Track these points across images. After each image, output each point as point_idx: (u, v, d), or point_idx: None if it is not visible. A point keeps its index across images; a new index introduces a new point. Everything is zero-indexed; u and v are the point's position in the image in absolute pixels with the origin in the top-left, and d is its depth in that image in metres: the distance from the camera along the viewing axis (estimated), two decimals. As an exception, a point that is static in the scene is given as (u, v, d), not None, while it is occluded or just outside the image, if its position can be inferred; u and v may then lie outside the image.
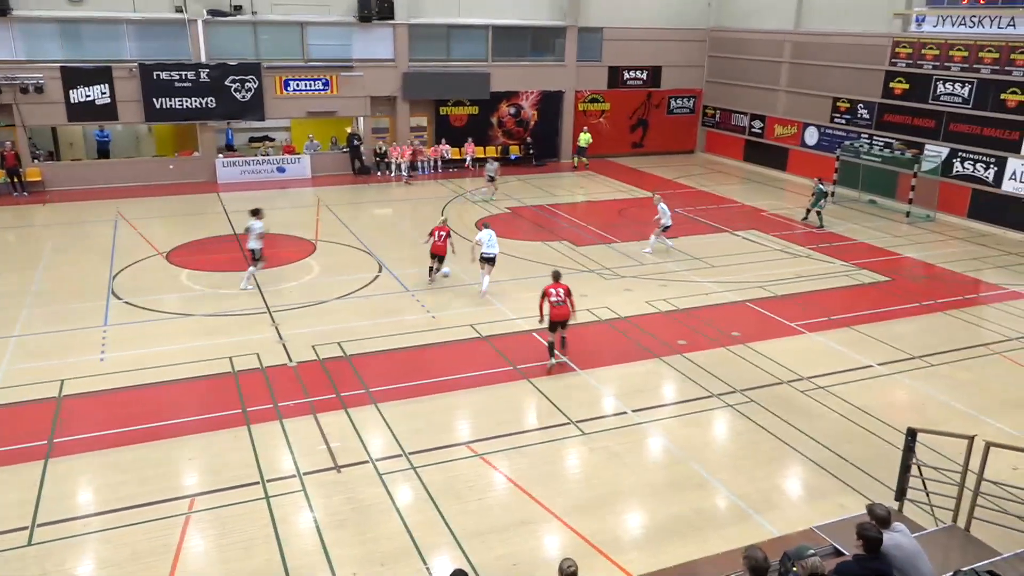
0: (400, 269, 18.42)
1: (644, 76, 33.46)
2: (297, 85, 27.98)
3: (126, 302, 16.13)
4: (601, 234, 21.77)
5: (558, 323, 13.35)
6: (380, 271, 18.31)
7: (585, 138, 31.58)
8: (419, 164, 29.68)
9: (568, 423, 11.63)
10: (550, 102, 31.95)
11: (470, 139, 30.64)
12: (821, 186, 23.30)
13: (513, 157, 31.52)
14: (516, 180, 28.51)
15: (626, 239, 21.30)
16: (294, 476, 10.18)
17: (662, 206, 20.14)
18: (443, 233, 17.07)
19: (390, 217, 24.32)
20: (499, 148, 31.60)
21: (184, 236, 20.89)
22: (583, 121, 32.69)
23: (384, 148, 29.50)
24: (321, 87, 28.26)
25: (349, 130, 29.52)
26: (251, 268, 16.97)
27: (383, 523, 9.28)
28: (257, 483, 10.02)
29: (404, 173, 28.59)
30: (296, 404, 12.00)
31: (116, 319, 15.26)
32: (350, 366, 13.36)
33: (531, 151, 31.63)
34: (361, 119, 29.61)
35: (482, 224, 18.31)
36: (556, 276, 13.76)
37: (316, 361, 13.51)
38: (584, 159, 31.26)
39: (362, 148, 29.21)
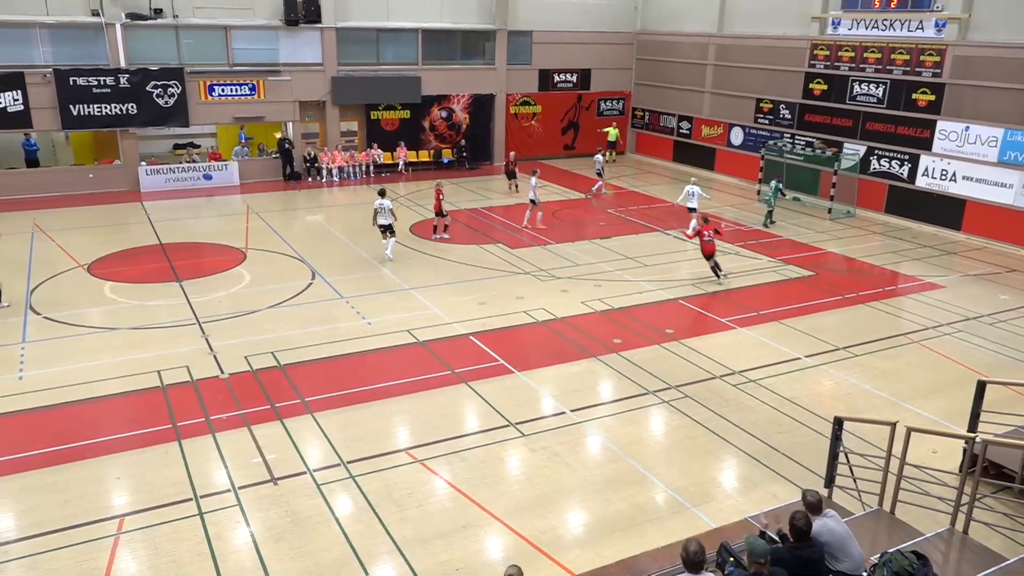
0: (334, 276, 18.16)
1: (574, 79, 33.83)
2: (223, 90, 27.33)
3: (45, 317, 15.47)
4: (536, 236, 21.90)
5: (710, 256, 18.03)
6: (313, 278, 18.03)
7: (613, 132, 33.02)
8: (351, 169, 29.36)
9: (507, 425, 11.65)
10: (481, 105, 32.00)
11: (402, 143, 30.47)
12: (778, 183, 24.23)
13: (446, 161, 31.47)
14: (449, 184, 28.41)
15: (560, 240, 21.47)
16: (229, 491, 9.92)
17: (689, 189, 22.52)
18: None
19: (322, 223, 23.97)
20: (432, 152, 31.52)
21: (107, 247, 20.16)
22: (514, 123, 32.85)
23: (314, 153, 29.06)
24: (248, 92, 27.67)
25: (279, 135, 28.97)
26: (391, 239, 19.43)
27: (322, 535, 9.13)
28: (190, 499, 9.72)
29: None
30: (229, 417, 11.70)
31: (35, 335, 14.63)
32: (285, 376, 13.10)
33: (464, 154, 31.64)
34: (290, 124, 29.10)
35: (532, 171, 23.45)
36: (705, 219, 18.52)
37: (249, 372, 13.20)
38: (612, 153, 32.92)
39: (292, 153, 28.72)
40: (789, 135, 27.92)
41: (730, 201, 26.94)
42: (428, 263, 19.40)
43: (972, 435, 9.22)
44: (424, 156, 31.32)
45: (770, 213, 23.64)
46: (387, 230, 19.28)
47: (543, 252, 20.45)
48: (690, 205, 22.28)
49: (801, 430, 11.69)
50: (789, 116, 28.02)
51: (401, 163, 30.28)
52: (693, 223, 21.42)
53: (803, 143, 27.08)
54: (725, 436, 11.48)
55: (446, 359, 13.83)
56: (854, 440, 10.80)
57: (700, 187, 22.71)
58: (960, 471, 9.26)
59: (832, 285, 18.36)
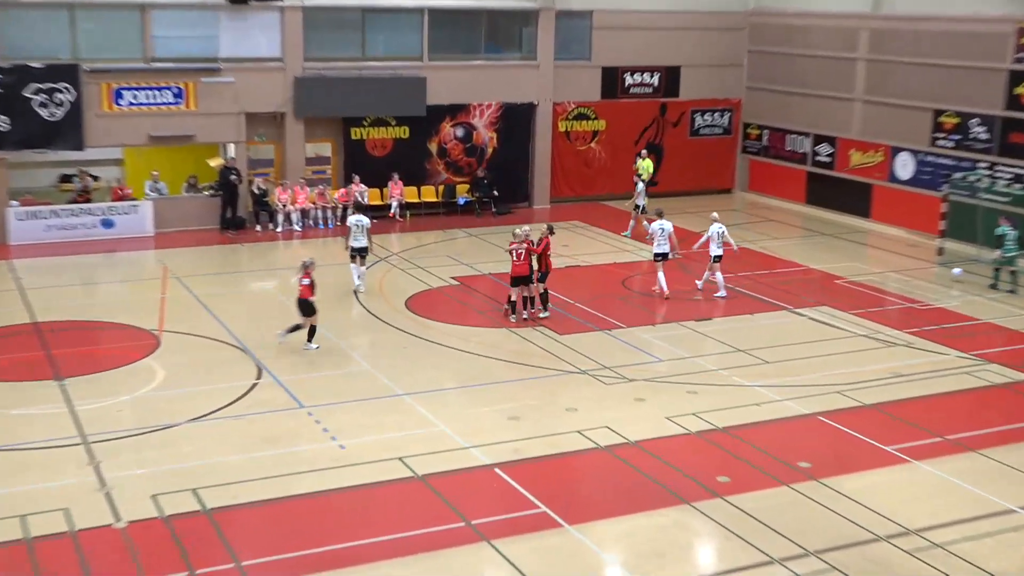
0: (289, 373, 18.26)
1: (655, 81, 34.43)
2: (135, 97, 28.16)
3: None
4: (596, 315, 21.91)
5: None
6: (260, 376, 18.14)
7: (645, 166, 31.62)
8: (319, 213, 29.78)
9: (552, 609, 11.46)
10: (516, 120, 32.62)
11: (396, 176, 30.89)
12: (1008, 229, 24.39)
13: (461, 202, 31.79)
14: (465, 235, 28.73)
15: (633, 323, 21.44)
16: None
17: (714, 229, 23.41)
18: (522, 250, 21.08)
19: (274, 294, 24.20)
20: (441, 188, 31.87)
21: (-46, 327, 20.57)
22: (565, 147, 33.23)
23: (265, 189, 29.52)
24: (171, 99, 28.47)
25: (215, 162, 29.40)
26: (363, 268, 23.18)
27: None
28: None
29: None
30: (125, 589, 11.66)
31: None
32: (212, 526, 13.04)
33: (494, 192, 31.86)
34: (232, 146, 29.68)
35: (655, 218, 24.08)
36: (550, 229, 21.97)
37: (158, 519, 13.17)
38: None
39: (240, 188, 29.06)
40: (986, 164, 27.84)
41: (897, 263, 26.73)
42: (431, 355, 19.46)
43: None
44: (429, 195, 31.79)
45: (1013, 273, 24.15)
46: (360, 254, 22.63)
47: (607, 340, 20.42)
48: (716, 252, 22.96)
49: (1017, 625, 11.31)
50: (986, 136, 28.01)
51: (395, 204, 30.69)
52: (706, 274, 23.69)
53: (1008, 177, 26.95)
54: (895, 633, 11.15)
55: (458, 503, 13.70)
56: (1103, 643, 10.41)
57: (720, 225, 23.33)
58: None
59: (1059, 396, 18.05)
